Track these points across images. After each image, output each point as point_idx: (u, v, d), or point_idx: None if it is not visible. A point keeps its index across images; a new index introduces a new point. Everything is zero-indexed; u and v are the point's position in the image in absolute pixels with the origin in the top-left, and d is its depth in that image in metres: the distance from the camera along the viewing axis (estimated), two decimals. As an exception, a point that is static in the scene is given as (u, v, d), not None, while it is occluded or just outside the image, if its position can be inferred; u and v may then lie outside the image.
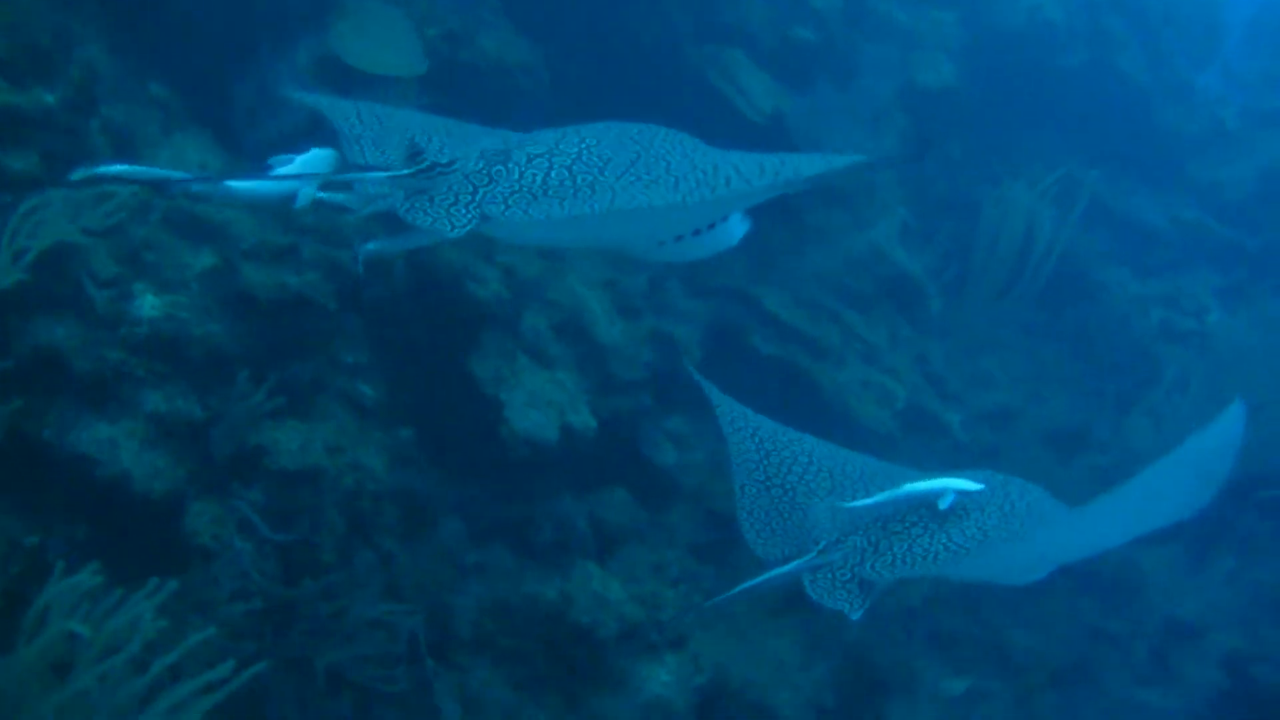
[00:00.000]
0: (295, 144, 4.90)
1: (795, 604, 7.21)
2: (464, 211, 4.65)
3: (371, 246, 4.97)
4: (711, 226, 5.21)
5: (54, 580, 4.16)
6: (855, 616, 4.98)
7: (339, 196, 4.95)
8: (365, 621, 5.75)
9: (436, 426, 6.80)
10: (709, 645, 6.90)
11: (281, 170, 4.85)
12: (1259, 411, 10.16)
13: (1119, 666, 8.78)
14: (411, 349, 6.82)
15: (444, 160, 4.80)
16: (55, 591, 4.13)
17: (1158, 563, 9.19)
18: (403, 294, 6.76)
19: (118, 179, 4.88)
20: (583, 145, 4.87)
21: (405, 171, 4.74)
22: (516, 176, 4.72)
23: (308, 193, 4.83)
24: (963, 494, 5.11)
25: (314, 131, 5.31)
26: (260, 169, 4.88)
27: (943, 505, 5.11)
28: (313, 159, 4.89)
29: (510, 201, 4.66)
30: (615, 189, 4.70)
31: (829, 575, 5.04)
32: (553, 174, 4.72)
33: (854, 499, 5.26)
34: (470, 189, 4.71)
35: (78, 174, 4.73)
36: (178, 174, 5.21)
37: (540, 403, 6.75)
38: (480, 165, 4.78)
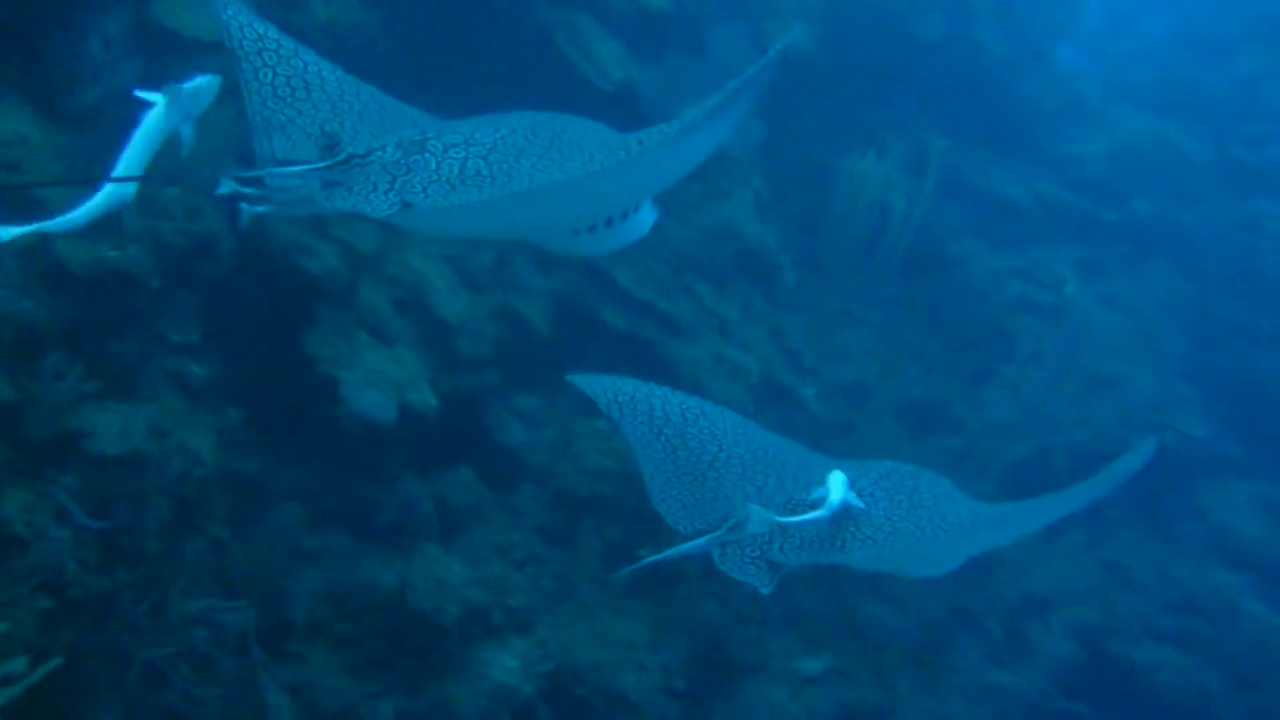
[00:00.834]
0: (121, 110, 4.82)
1: (644, 585, 7.27)
2: (383, 199, 4.72)
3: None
4: (625, 216, 5.35)
5: None
6: (766, 591, 5.14)
7: (248, 190, 4.85)
8: (185, 617, 5.63)
9: (271, 407, 6.68)
10: (556, 629, 6.90)
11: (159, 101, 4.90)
12: (1114, 386, 10.51)
13: (975, 642, 8.96)
14: (244, 327, 6.68)
15: (360, 151, 4.85)
16: None
17: (1011, 538, 9.40)
18: (234, 269, 6.62)
19: None
20: (498, 135, 4.97)
21: (321, 165, 4.80)
22: (434, 167, 4.81)
23: (228, 182, 4.75)
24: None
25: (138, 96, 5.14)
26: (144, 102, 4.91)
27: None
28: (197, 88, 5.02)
29: (429, 191, 4.73)
30: (531, 175, 4.80)
31: (738, 551, 5.21)
32: (469, 163, 4.82)
33: (765, 481, 5.49)
34: (389, 179, 4.78)
35: None
36: None
37: (379, 381, 6.68)
38: (397, 156, 4.85)
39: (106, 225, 5.88)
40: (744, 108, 4.59)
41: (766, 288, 9.56)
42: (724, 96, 4.39)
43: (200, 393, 6.33)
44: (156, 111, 4.98)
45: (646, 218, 5.53)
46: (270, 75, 5.16)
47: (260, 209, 4.84)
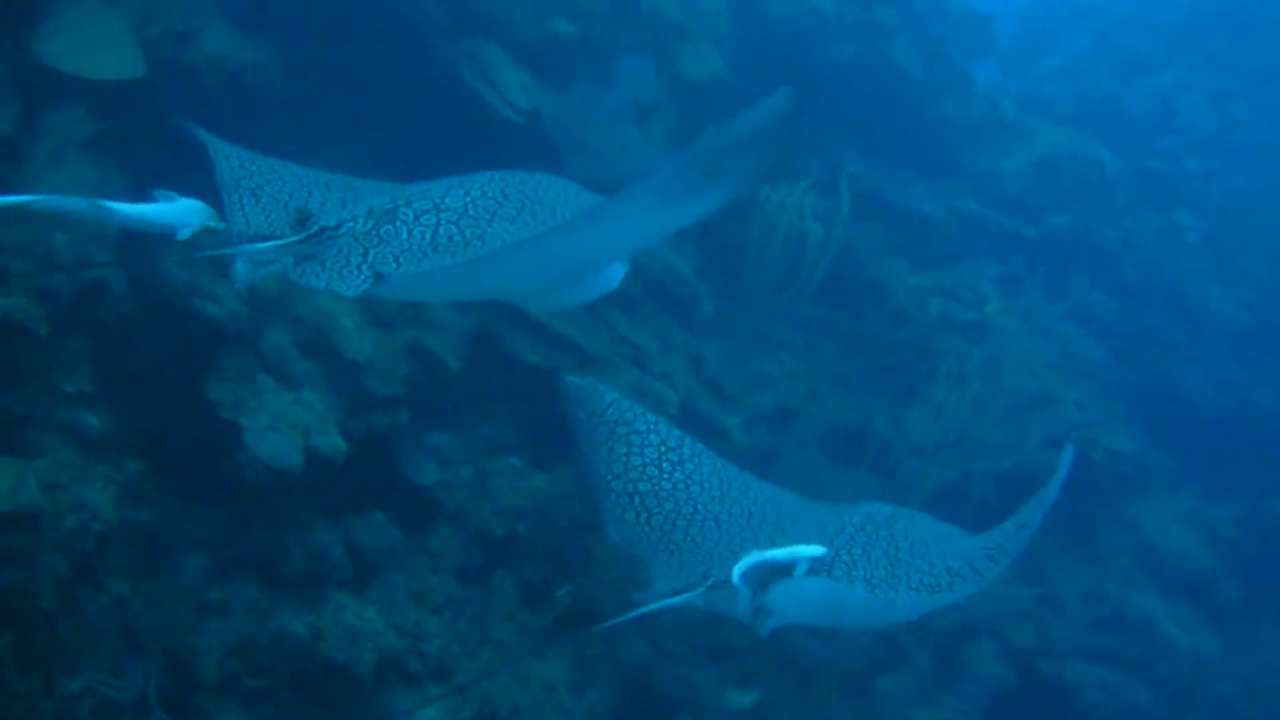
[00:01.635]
0: None
1: (565, 626, 7.19)
2: (356, 273, 4.78)
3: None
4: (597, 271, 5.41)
5: None
6: (764, 634, 5.31)
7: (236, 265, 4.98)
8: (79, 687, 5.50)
9: (172, 457, 6.56)
10: (476, 674, 6.81)
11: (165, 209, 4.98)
12: (1039, 404, 10.56)
13: (908, 670, 8.95)
14: (142, 374, 6.56)
15: (331, 223, 4.94)
16: None
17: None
18: (129, 315, 6.50)
19: None
20: (468, 199, 5.10)
21: (294, 238, 4.87)
22: (405, 235, 4.90)
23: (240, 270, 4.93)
24: (815, 560, 5.40)
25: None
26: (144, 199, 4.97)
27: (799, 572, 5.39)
28: (186, 209, 5.02)
29: (401, 260, 4.82)
30: (505, 238, 4.91)
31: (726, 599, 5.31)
32: (440, 230, 4.94)
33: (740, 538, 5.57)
34: (361, 250, 4.86)
35: None
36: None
37: (283, 425, 6.56)
38: (369, 226, 4.93)
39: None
40: (745, 161, 4.35)
41: (685, 317, 9.54)
42: (709, 148, 4.20)
43: (96, 444, 6.19)
44: (161, 209, 5.04)
45: (617, 270, 5.57)
46: (237, 156, 5.34)
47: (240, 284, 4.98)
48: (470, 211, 5.05)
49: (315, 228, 4.93)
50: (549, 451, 7.80)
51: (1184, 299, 12.77)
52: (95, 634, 5.85)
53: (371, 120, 8.34)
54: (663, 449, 6.01)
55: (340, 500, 7.07)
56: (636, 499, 5.84)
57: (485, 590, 7.12)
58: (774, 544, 5.56)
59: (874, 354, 10.66)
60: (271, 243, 4.88)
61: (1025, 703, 9.32)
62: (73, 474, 5.90)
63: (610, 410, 6.12)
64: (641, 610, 5.36)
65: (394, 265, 4.82)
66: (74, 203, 5.05)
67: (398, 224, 4.96)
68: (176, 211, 5.04)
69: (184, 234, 5.03)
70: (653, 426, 6.08)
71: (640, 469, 5.92)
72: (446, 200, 5.10)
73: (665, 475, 5.93)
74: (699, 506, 5.82)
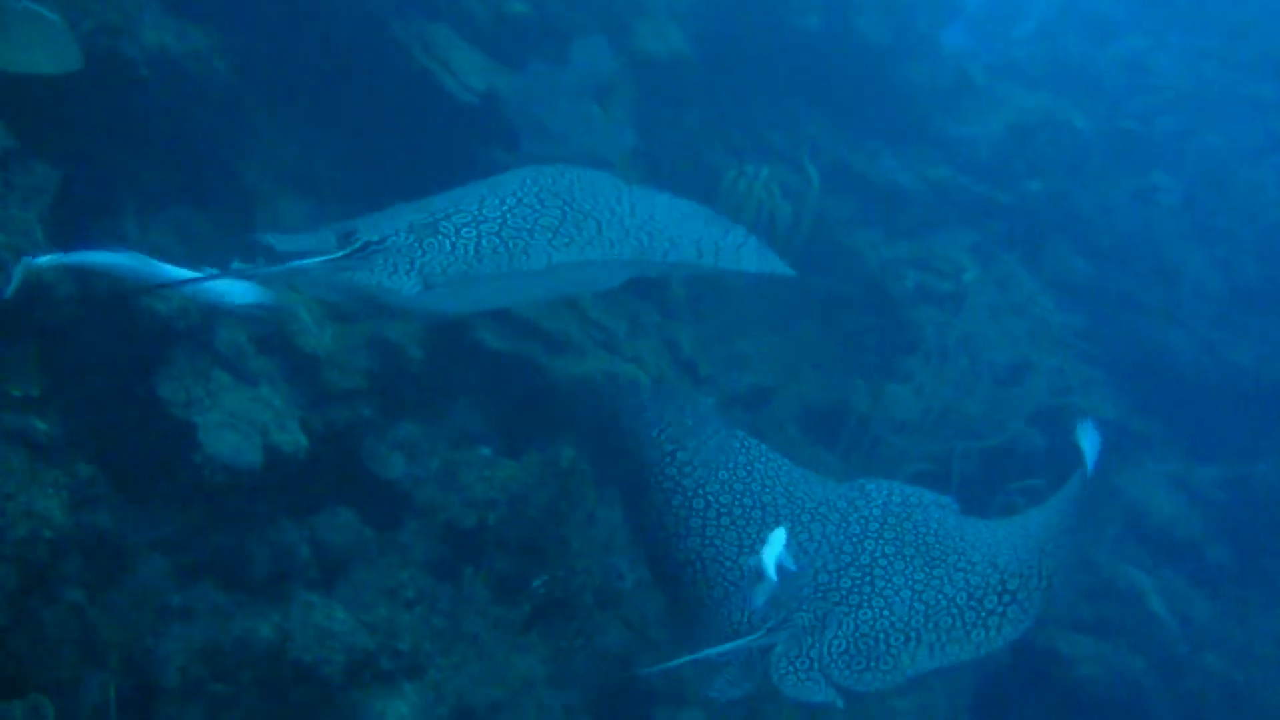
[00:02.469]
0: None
1: (542, 617, 7.07)
2: (405, 278, 4.95)
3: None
4: None
5: None
6: (840, 706, 5.11)
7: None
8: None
9: (127, 459, 6.43)
10: (450, 670, 6.68)
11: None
12: (1018, 372, 10.47)
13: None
14: (92, 376, 6.43)
15: (375, 238, 5.08)
16: None
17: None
18: (76, 316, 6.36)
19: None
20: (504, 209, 5.23)
21: (340, 253, 5.03)
22: (449, 248, 5.04)
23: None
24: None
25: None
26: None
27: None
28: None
29: (448, 272, 4.97)
30: (549, 253, 5.02)
31: (791, 669, 5.22)
32: (483, 242, 5.06)
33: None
34: (408, 261, 5.00)
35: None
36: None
37: (240, 423, 6.42)
38: (411, 240, 5.07)
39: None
40: None
41: (657, 299, 9.42)
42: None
43: (46, 449, 6.04)
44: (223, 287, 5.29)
45: None
46: None
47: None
48: (510, 221, 5.17)
49: (360, 243, 5.06)
50: (519, 439, 7.68)
51: (1162, 262, 12.68)
52: (52, 646, 5.72)
53: (324, 108, 8.20)
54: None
55: (305, 497, 6.96)
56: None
57: (458, 584, 6.99)
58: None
59: (851, 329, 10.56)
60: (319, 259, 5.02)
61: (1017, 678, 9.22)
62: (21, 481, 5.74)
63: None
64: (691, 657, 5.47)
65: (440, 274, 4.96)
66: (122, 260, 5.25)
67: (439, 237, 5.08)
68: (238, 290, 5.33)
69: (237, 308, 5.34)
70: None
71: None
72: (484, 210, 5.23)
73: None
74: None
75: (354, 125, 8.16)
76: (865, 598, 5.42)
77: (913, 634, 5.24)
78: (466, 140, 8.28)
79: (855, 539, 5.70)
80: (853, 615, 5.36)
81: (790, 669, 5.27)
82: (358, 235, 5.12)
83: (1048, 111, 13.08)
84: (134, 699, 6.00)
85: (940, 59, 12.93)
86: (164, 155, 7.02)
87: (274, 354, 6.92)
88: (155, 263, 5.21)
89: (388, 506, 7.26)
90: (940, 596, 5.37)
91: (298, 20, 8.08)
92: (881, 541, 5.65)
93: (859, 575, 5.53)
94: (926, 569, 5.52)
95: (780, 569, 5.32)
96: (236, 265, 5.27)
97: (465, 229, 5.13)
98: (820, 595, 5.46)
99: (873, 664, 5.19)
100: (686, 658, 5.44)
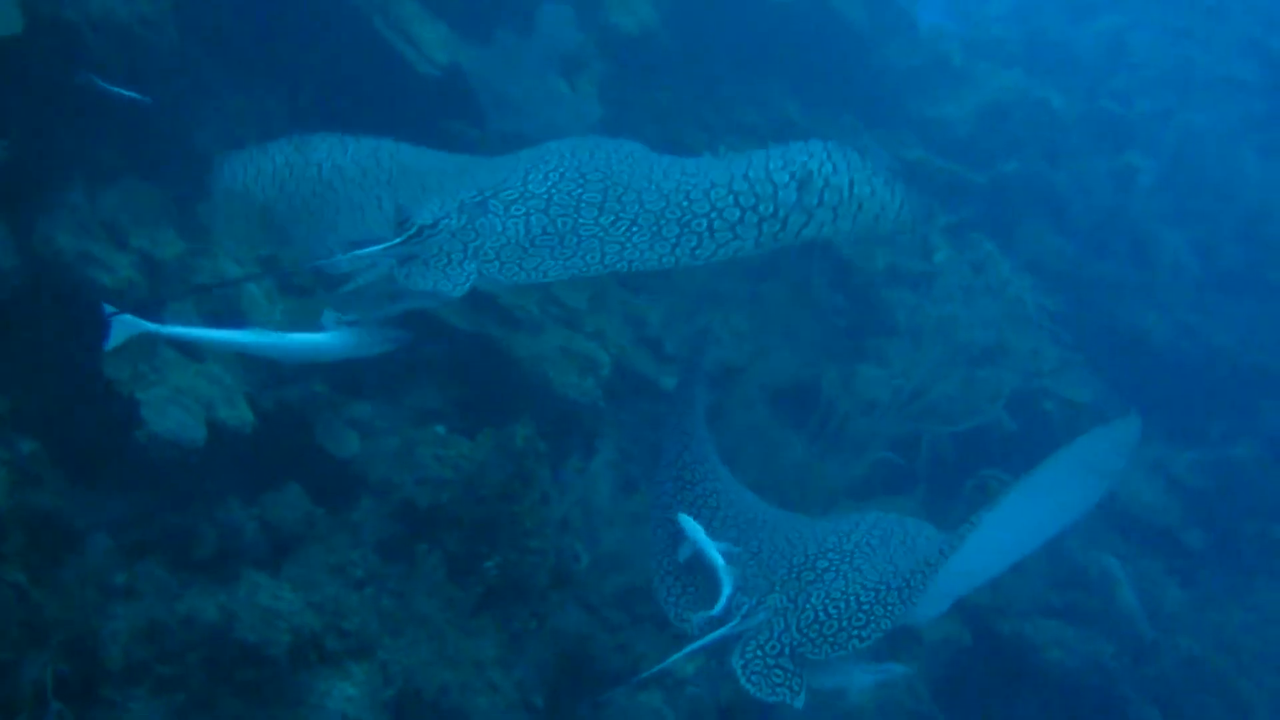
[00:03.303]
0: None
1: (494, 598, 7.02)
2: (459, 271, 5.19)
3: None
4: None
5: None
6: (798, 706, 5.36)
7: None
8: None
9: (71, 437, 6.39)
10: (398, 652, 6.63)
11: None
12: (991, 354, 10.42)
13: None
14: (34, 352, 6.36)
15: (428, 222, 5.28)
16: None
17: (896, 516, 9.28)
18: (19, 289, 6.29)
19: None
20: (549, 185, 5.43)
21: (396, 241, 5.26)
22: (500, 229, 5.26)
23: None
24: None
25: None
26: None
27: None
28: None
29: (503, 256, 5.20)
30: (595, 230, 5.26)
31: (759, 655, 5.46)
32: (533, 220, 5.29)
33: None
34: (460, 247, 5.23)
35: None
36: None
37: (186, 400, 6.37)
38: (463, 221, 5.27)
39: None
40: None
41: (623, 275, 9.33)
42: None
43: (-14, 426, 6.00)
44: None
45: None
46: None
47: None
48: (555, 199, 5.35)
49: (415, 228, 5.27)
50: (475, 417, 7.62)
51: (1140, 243, 12.61)
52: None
53: (282, 79, 8.11)
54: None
55: (255, 476, 6.91)
56: None
57: (410, 564, 6.93)
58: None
59: (821, 309, 10.47)
60: (375, 247, 5.26)
61: (983, 664, 9.18)
62: (-40, 459, 5.71)
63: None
64: (675, 657, 5.66)
65: (495, 261, 5.19)
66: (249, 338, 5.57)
67: (490, 217, 5.30)
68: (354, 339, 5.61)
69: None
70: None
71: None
72: (529, 186, 5.43)
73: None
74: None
75: (314, 97, 8.07)
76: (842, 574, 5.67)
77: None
78: (429, 113, 8.20)
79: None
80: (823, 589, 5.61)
81: (758, 663, 5.48)
82: (412, 220, 5.29)
83: (1024, 91, 13.00)
84: (77, 680, 5.94)
85: (916, 37, 12.84)
86: (113, 124, 6.91)
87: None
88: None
89: (341, 486, 7.20)
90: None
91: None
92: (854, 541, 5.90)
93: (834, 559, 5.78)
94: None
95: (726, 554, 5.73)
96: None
97: (514, 206, 5.33)
98: (794, 576, 5.72)
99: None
100: (677, 655, 5.61)
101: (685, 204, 5.35)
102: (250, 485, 6.85)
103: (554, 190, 5.40)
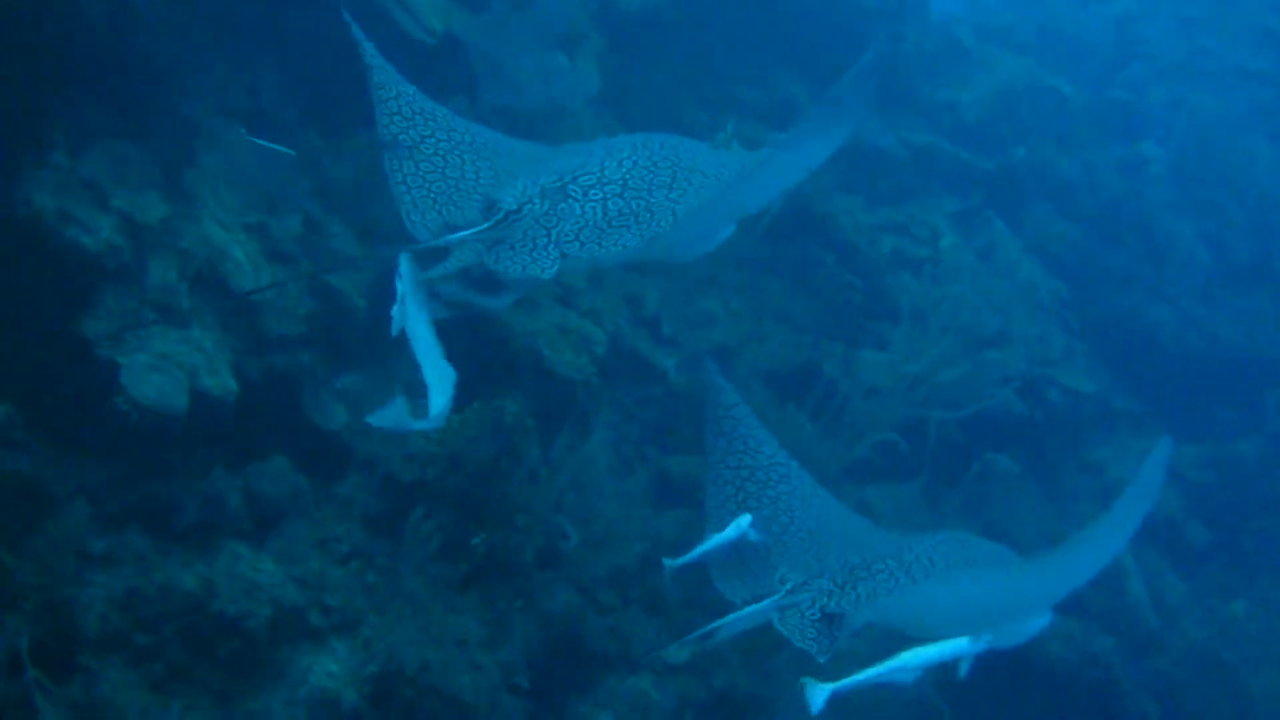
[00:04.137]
0: None
1: (480, 576, 6.93)
2: (545, 255, 5.59)
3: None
4: None
5: None
6: (822, 660, 5.63)
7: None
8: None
9: (50, 401, 6.29)
10: (383, 628, 6.56)
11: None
12: (996, 342, 10.32)
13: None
14: (12, 314, 6.26)
15: (514, 207, 5.67)
16: None
17: (888, 501, 9.21)
18: (-2, 251, 6.20)
19: None
20: (623, 171, 5.85)
21: (484, 225, 5.63)
22: (579, 212, 5.70)
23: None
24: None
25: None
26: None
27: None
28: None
29: (582, 237, 5.64)
30: (668, 205, 5.74)
31: (797, 615, 5.75)
32: (609, 204, 5.73)
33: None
34: (544, 231, 5.64)
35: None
36: None
37: (168, 366, 6.28)
38: (546, 206, 5.68)
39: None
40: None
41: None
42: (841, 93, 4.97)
43: (-40, 389, 5.91)
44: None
45: None
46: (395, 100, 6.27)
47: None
48: (630, 183, 5.79)
49: (501, 213, 5.64)
50: (468, 393, 7.51)
51: (1148, 233, 12.47)
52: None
53: (271, 41, 7.98)
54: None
55: (240, 446, 6.83)
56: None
57: (395, 540, 6.85)
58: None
59: (823, 293, 10.36)
60: (466, 232, 5.60)
61: (984, 660, 9.09)
62: (-64, 424, 5.63)
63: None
64: (717, 624, 5.73)
65: (577, 244, 5.60)
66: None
67: (570, 201, 5.70)
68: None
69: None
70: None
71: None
72: (606, 173, 5.82)
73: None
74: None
75: (304, 60, 7.94)
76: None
77: None
78: (424, 82, 8.08)
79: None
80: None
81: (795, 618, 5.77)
82: (499, 205, 5.65)
83: (1034, 77, 12.86)
84: (54, 647, 5.88)
85: (926, 21, 12.72)
86: (99, 85, 6.81)
87: (208, 294, 6.74)
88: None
89: (328, 458, 7.12)
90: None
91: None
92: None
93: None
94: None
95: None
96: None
97: (592, 191, 5.75)
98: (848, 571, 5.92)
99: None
100: (717, 622, 5.72)
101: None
102: (234, 455, 6.76)
103: (629, 175, 5.83)
